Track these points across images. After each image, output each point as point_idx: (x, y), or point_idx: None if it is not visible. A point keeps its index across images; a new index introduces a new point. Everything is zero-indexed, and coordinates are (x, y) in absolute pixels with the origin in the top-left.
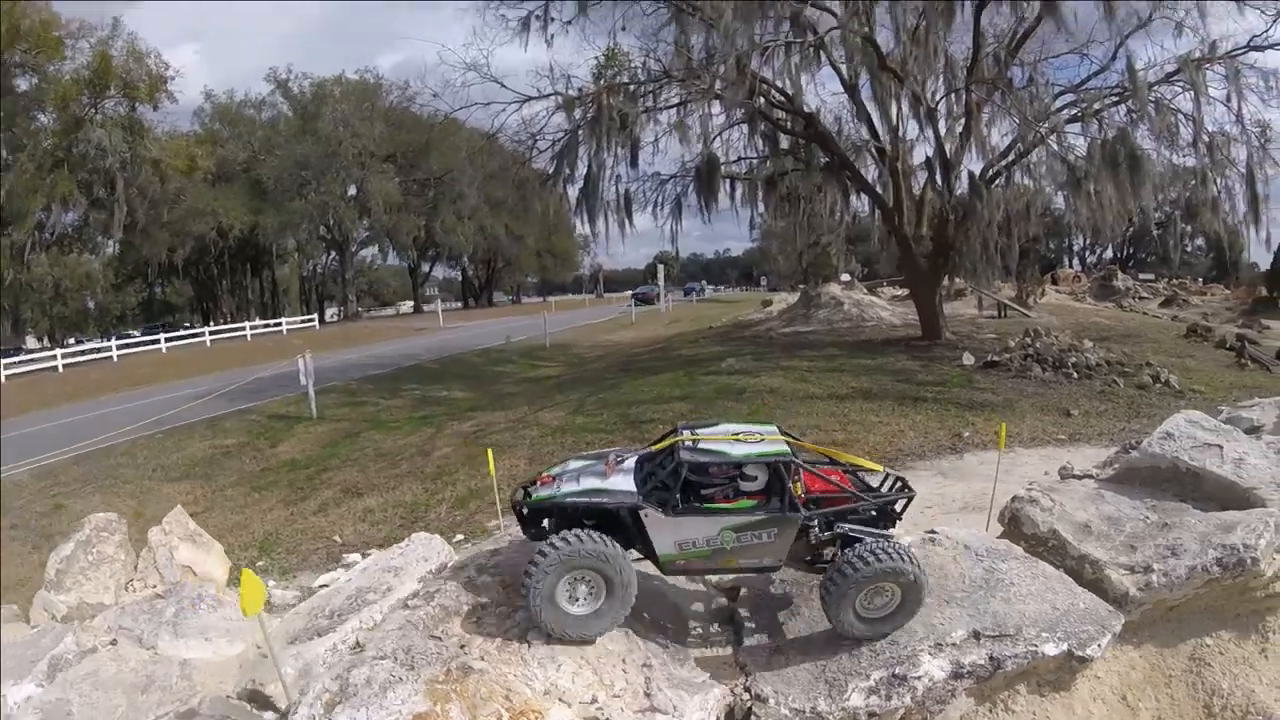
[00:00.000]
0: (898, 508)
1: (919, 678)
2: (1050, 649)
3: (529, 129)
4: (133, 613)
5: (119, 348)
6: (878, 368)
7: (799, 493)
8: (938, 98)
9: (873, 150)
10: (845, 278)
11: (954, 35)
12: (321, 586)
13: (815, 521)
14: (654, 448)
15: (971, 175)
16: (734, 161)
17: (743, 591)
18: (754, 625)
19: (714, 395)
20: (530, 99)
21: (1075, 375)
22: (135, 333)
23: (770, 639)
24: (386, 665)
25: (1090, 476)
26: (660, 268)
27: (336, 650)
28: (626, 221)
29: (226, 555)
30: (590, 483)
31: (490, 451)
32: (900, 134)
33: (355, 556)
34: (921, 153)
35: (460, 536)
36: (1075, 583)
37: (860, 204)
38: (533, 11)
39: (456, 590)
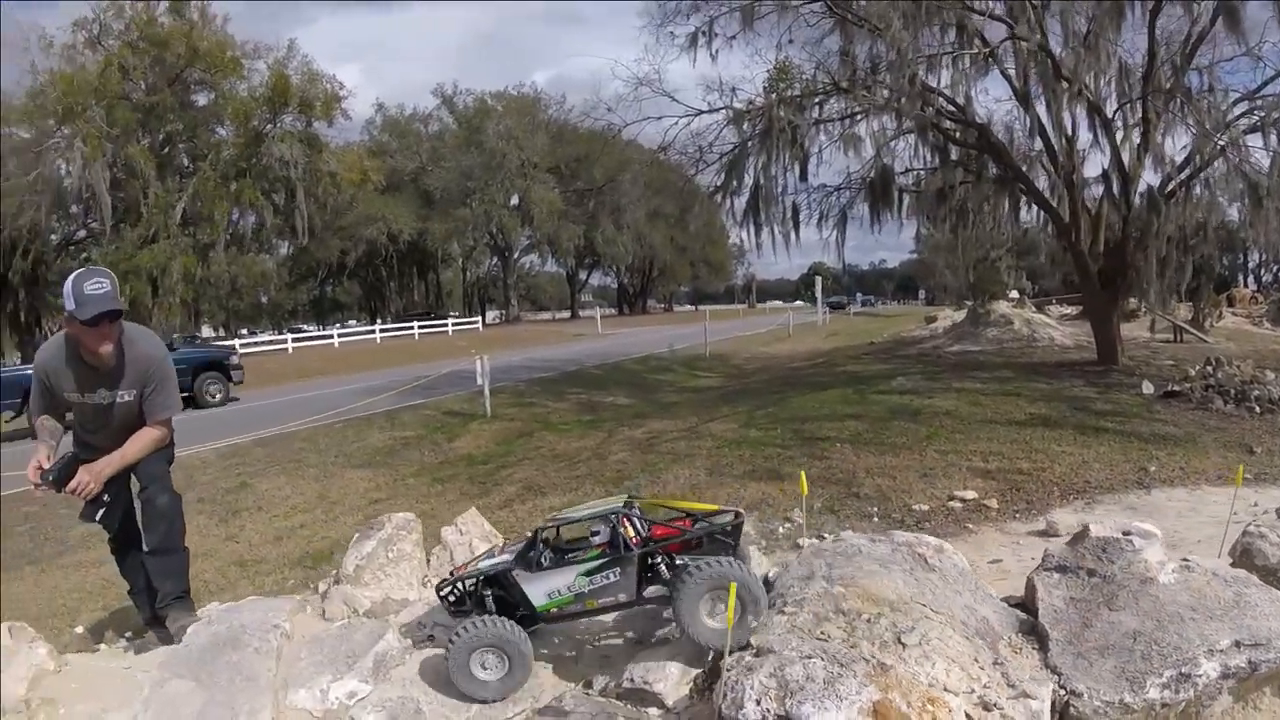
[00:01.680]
0: (729, 537)
1: (1200, 676)
2: None
3: (696, 142)
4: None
5: (294, 340)
6: (1054, 393)
7: (634, 536)
8: (1113, 107)
9: (1044, 162)
10: (1014, 294)
11: (1127, 41)
12: None
13: (657, 557)
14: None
15: (1150, 189)
16: (900, 173)
17: (1041, 609)
18: (1057, 636)
19: (888, 415)
20: (701, 113)
21: (1258, 410)
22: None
23: (1072, 646)
24: (819, 663)
25: None
26: (818, 279)
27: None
28: (793, 233)
29: None
30: (483, 563)
31: (803, 474)
32: (1074, 147)
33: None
34: (1094, 165)
35: None
36: None
37: (1030, 218)
38: (699, 28)
39: (816, 596)
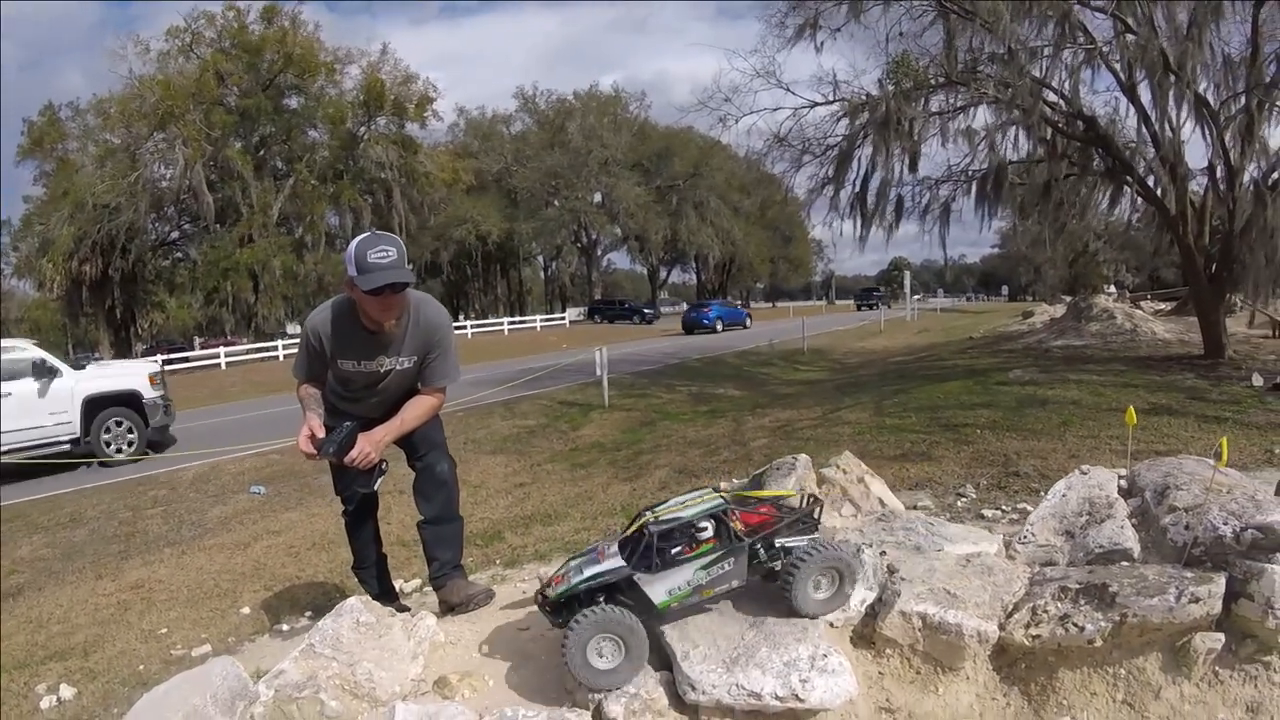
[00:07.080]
0: (815, 515)
1: None
2: None
3: (803, 135)
4: (874, 529)
5: None
6: (1169, 384)
7: (740, 528)
8: (1219, 101)
9: (1145, 155)
10: (1110, 290)
11: (1231, 37)
12: None
13: (759, 545)
14: (627, 532)
15: (1256, 183)
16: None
17: None
18: None
19: (1017, 405)
20: (816, 104)
21: None
22: None
23: None
24: (1246, 502)
25: None
26: (907, 274)
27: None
28: (894, 226)
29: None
30: (592, 570)
31: (1131, 409)
32: (1180, 138)
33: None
34: (1195, 158)
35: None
36: None
37: (1125, 210)
38: (807, 19)
39: (1189, 481)
